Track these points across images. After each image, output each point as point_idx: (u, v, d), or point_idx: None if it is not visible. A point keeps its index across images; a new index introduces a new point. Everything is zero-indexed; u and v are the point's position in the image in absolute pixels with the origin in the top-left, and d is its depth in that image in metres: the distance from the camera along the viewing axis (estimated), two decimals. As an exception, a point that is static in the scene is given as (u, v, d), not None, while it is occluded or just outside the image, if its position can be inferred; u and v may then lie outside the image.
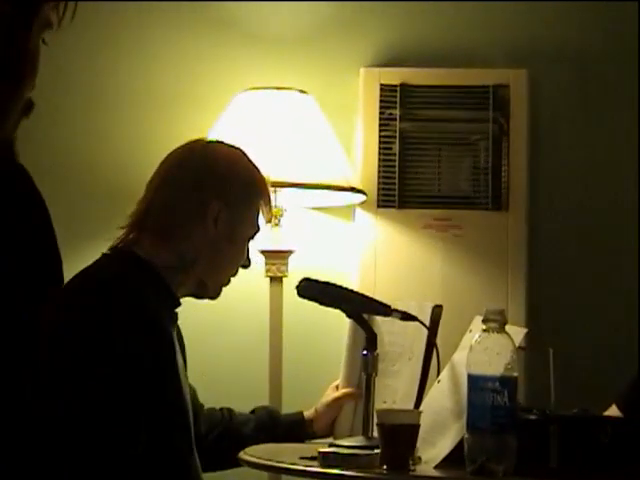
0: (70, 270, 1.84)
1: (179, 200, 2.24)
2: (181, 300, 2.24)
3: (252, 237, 2.34)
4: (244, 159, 2.33)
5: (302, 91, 3.09)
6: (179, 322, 2.24)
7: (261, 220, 2.35)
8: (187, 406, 2.18)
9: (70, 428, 1.90)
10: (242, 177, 2.31)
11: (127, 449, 1.95)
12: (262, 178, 2.33)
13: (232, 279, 2.34)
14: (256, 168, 2.33)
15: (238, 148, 2.35)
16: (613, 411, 2.60)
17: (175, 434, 2.08)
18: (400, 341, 2.39)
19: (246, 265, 2.35)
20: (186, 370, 2.26)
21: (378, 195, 3.19)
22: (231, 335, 3.08)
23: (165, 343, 2.10)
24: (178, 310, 2.23)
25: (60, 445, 1.90)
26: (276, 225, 2.95)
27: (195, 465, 2.16)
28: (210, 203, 2.23)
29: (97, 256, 2.17)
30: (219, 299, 2.30)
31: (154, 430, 1.99)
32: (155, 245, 2.20)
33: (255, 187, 2.31)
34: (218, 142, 2.41)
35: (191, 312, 2.28)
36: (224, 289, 2.33)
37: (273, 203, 2.43)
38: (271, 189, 2.39)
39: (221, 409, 2.49)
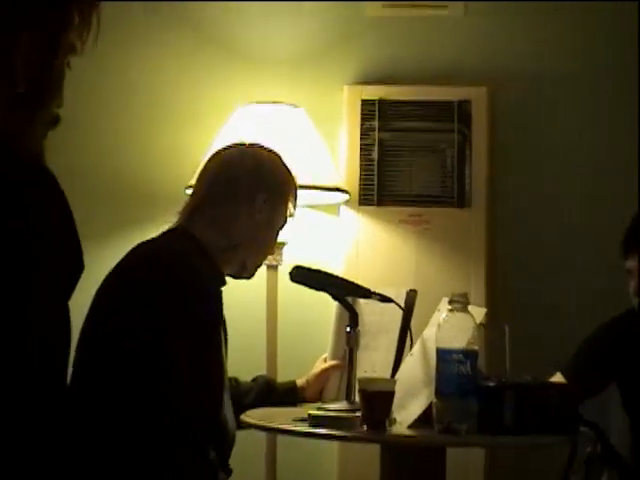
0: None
1: (232, 191, 2.26)
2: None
3: (282, 227, 2.37)
4: (282, 161, 2.36)
5: (294, 105, 3.09)
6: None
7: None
8: (224, 369, 2.20)
9: (149, 368, 1.94)
10: (281, 176, 2.34)
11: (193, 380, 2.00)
12: (294, 178, 2.37)
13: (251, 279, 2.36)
14: (289, 170, 2.36)
15: (276, 152, 2.38)
16: (558, 378, 2.62)
17: (213, 385, 2.12)
18: (379, 320, 2.40)
19: (272, 253, 2.40)
20: (227, 344, 2.28)
21: (360, 194, 3.19)
22: (235, 314, 3.08)
23: (218, 315, 2.14)
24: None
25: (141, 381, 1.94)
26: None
27: (225, 413, 2.19)
28: (257, 194, 2.26)
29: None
30: (228, 285, 2.27)
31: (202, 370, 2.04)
32: (208, 228, 2.22)
33: (289, 185, 2.35)
34: (260, 146, 2.41)
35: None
36: (233, 279, 2.32)
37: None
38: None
39: (229, 378, 2.45)
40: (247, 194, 2.27)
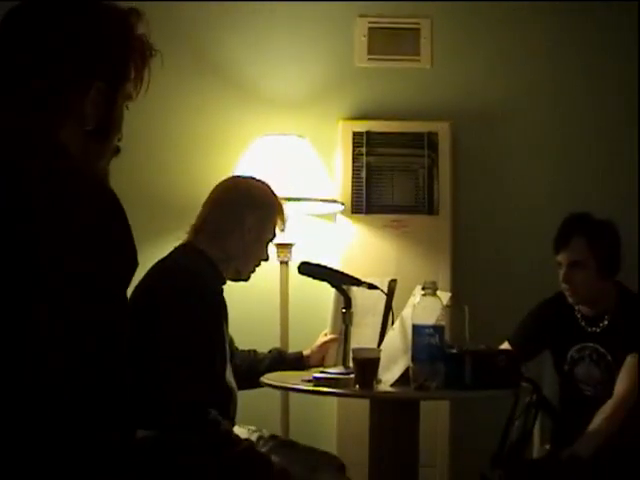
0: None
1: (226, 215, 2.26)
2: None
3: (271, 240, 2.35)
4: (268, 189, 2.34)
5: (300, 135, 3.07)
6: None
7: (277, 230, 2.37)
8: (226, 344, 2.22)
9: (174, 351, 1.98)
10: (267, 200, 2.32)
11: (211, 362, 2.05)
12: (279, 202, 2.35)
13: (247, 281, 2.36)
14: (275, 195, 2.34)
15: (264, 182, 2.36)
16: (506, 345, 2.63)
17: (217, 357, 2.14)
18: (368, 303, 2.39)
19: (265, 259, 2.37)
20: (227, 325, 2.29)
21: (352, 205, 3.17)
22: (255, 300, 3.04)
23: (219, 304, 2.17)
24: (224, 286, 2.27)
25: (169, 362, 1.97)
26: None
27: (228, 379, 2.20)
28: (246, 218, 2.25)
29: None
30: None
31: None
32: (209, 243, 2.23)
33: (274, 208, 2.33)
34: (251, 178, 2.40)
35: (226, 287, 2.28)
36: (252, 273, 2.34)
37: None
38: (285, 207, 2.38)
39: (249, 350, 2.51)
40: (238, 216, 2.25)
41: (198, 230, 2.26)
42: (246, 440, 2.08)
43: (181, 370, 1.95)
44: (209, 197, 2.33)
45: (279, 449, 2.25)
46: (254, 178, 2.39)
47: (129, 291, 1.21)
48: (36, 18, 1.25)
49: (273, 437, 2.38)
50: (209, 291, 2.13)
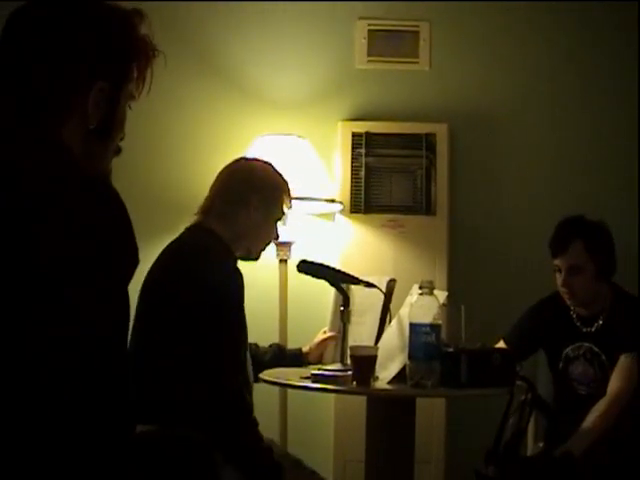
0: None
1: (232, 197, 2.26)
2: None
3: (279, 219, 2.34)
4: (272, 169, 2.34)
5: (300, 136, 3.08)
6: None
7: (285, 208, 2.35)
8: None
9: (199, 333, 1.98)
10: (272, 179, 2.31)
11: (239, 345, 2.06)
12: (284, 180, 2.33)
13: (258, 261, 2.35)
14: (279, 173, 2.33)
15: (268, 162, 2.36)
16: (501, 344, 2.63)
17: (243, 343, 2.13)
18: (366, 302, 2.38)
19: (276, 238, 2.36)
20: None
21: (351, 205, 3.16)
22: (255, 297, 3.04)
23: (242, 285, 2.12)
24: None
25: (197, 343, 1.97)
26: (284, 224, 2.95)
27: (248, 369, 2.19)
28: (251, 199, 2.25)
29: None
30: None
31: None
32: (218, 223, 2.23)
33: (279, 186, 2.32)
34: (255, 159, 2.40)
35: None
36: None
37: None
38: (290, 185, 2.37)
39: (250, 343, 2.44)
40: (244, 197, 2.25)
41: (206, 212, 2.27)
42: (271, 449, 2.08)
43: (221, 361, 1.97)
44: (215, 180, 2.33)
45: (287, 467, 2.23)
46: (258, 159, 2.39)
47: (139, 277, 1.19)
48: (39, 18, 1.25)
49: (284, 455, 2.34)
50: (233, 271, 2.11)
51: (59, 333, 1.07)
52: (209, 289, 2.03)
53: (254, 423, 2.04)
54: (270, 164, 2.35)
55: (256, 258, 2.34)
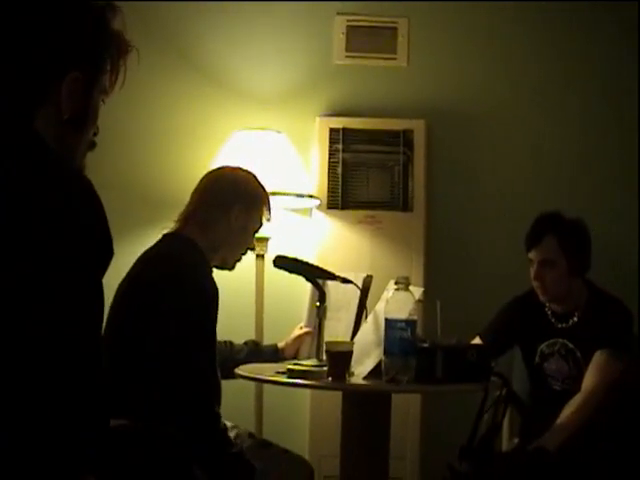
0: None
1: (213, 205, 2.24)
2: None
3: (257, 230, 2.34)
4: (254, 179, 2.33)
5: (278, 131, 3.07)
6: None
7: (264, 219, 2.35)
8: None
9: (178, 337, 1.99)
10: (253, 190, 2.30)
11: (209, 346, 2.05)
12: (265, 192, 2.33)
13: (233, 270, 2.34)
14: (261, 185, 2.32)
15: (251, 172, 2.34)
16: (477, 340, 2.64)
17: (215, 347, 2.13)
18: (342, 297, 2.38)
19: (252, 248, 2.36)
20: None
21: (328, 200, 3.17)
22: (231, 292, 3.05)
23: (216, 293, 2.12)
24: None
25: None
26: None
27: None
28: (232, 208, 2.24)
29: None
30: (225, 271, 2.28)
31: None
32: (197, 233, 2.20)
33: (259, 198, 2.31)
34: (238, 168, 2.38)
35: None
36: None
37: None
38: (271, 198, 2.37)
39: (225, 341, 2.48)
40: (226, 205, 2.24)
41: (186, 220, 2.25)
42: (236, 439, 2.07)
43: (188, 360, 1.96)
44: (197, 187, 2.32)
45: (255, 449, 2.23)
46: (241, 168, 2.38)
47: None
48: (10, 6, 1.23)
49: (251, 435, 2.37)
50: (207, 279, 2.11)
51: (34, 326, 1.06)
52: (183, 291, 2.02)
53: (222, 430, 2.04)
54: (253, 174, 2.34)
55: (231, 268, 2.33)
